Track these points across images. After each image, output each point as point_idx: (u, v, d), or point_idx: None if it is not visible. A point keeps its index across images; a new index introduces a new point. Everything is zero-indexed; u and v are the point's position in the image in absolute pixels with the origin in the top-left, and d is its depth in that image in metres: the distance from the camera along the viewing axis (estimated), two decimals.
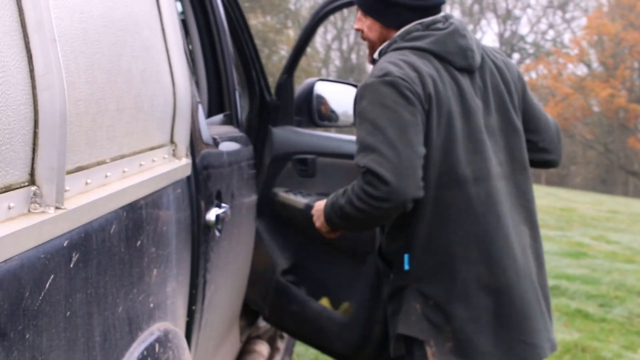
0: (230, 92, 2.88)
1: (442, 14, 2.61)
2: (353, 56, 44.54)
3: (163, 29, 1.89)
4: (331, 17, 45.04)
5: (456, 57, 2.52)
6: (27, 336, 1.04)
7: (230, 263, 2.55)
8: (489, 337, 2.49)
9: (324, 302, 3.53)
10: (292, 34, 45.50)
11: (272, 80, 4.51)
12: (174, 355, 1.64)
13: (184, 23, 2.85)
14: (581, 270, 9.06)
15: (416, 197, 2.37)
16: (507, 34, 42.25)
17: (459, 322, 2.47)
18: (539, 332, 2.54)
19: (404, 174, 2.33)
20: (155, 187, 1.66)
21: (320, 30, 46.26)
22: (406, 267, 2.52)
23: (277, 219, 3.49)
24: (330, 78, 4.16)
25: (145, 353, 1.48)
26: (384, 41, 2.62)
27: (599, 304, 7.49)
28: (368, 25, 2.65)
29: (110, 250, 1.36)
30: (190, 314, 2.07)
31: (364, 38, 2.68)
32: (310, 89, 3.70)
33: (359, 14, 2.65)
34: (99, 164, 1.41)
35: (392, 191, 2.32)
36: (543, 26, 42.57)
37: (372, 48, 2.67)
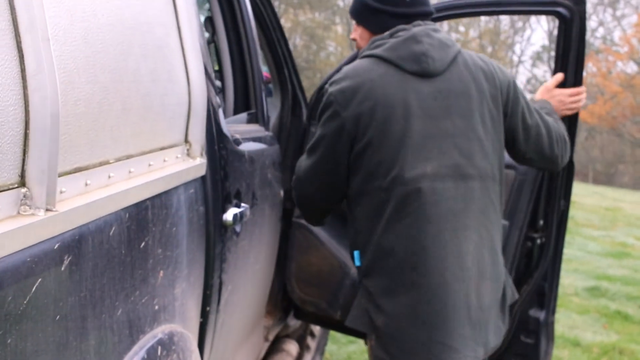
0: (256, 91, 2.85)
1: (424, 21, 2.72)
2: None
3: (179, 28, 1.87)
4: None
5: (407, 63, 2.58)
6: (9, 341, 1.03)
7: (251, 263, 2.53)
8: (410, 336, 2.54)
9: None
10: (340, 30, 45.53)
11: (320, 76, 4.51)
12: (178, 358, 1.62)
13: (211, 21, 2.83)
14: (623, 271, 8.92)
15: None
16: (556, 31, 41.69)
17: (387, 317, 2.55)
18: (463, 337, 2.54)
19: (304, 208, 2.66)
20: (163, 187, 1.64)
21: None
22: (357, 263, 2.65)
23: (336, 219, 3.50)
24: None
25: (145, 356, 1.46)
26: None
27: (639, 305, 7.36)
28: (359, 34, 2.78)
29: (109, 253, 1.34)
30: (205, 315, 2.05)
31: (358, 47, 2.79)
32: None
33: (354, 24, 2.78)
34: (101, 164, 1.39)
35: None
36: (593, 23, 41.96)
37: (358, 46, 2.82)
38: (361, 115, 2.52)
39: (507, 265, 3.57)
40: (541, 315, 3.69)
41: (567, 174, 3.62)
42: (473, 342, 2.57)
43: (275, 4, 42.75)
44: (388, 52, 2.60)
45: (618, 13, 41.32)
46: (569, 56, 3.48)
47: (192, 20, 1.93)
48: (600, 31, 42.03)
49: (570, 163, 3.62)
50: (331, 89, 2.57)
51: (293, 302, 3.81)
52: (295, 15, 43.81)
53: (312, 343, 4.60)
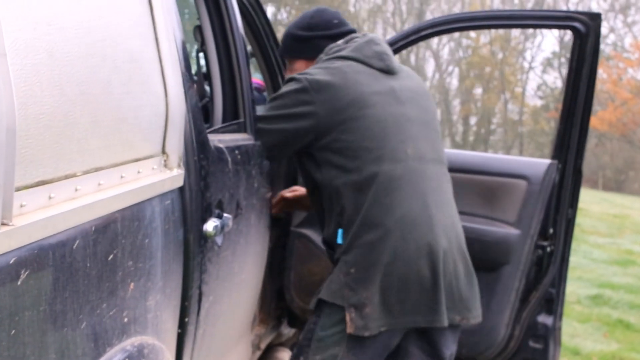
0: (245, 100, 2.85)
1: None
2: (412, 58, 44.37)
3: (157, 39, 1.87)
4: (390, 19, 44.80)
5: (373, 60, 2.96)
6: None
7: (235, 274, 2.53)
8: (398, 300, 2.77)
9: None
10: None
11: None
12: None
13: (200, 30, 2.83)
14: (627, 279, 8.88)
15: None
16: (567, 37, 41.64)
17: (376, 287, 2.75)
18: (441, 303, 2.80)
19: None
20: (135, 199, 1.64)
21: (380, 32, 46.20)
22: (339, 241, 2.87)
23: None
24: None
25: None
26: None
27: None
28: (296, 67, 3.10)
29: (72, 266, 1.34)
30: (183, 326, 2.05)
31: None
32: None
33: (287, 63, 3.11)
34: (67, 177, 1.39)
35: None
36: (604, 30, 41.80)
37: None
38: (336, 105, 2.83)
39: (518, 273, 3.63)
40: (549, 321, 3.74)
41: (575, 183, 3.66)
42: (445, 309, 2.83)
43: (286, 9, 42.83)
44: (354, 52, 2.95)
45: (629, 19, 41.21)
46: (582, 70, 3.50)
47: (170, 32, 1.93)
48: (611, 37, 41.92)
49: (578, 172, 3.66)
50: (305, 76, 2.86)
51: (289, 311, 3.81)
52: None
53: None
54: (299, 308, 3.71)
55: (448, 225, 2.88)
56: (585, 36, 3.52)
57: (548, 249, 3.71)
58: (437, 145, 3.00)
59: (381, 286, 2.75)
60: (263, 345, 3.65)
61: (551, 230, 3.68)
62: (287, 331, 4.04)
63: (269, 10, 41.85)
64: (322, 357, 2.82)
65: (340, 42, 3.03)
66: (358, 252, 2.78)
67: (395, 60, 3.04)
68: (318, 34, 3.08)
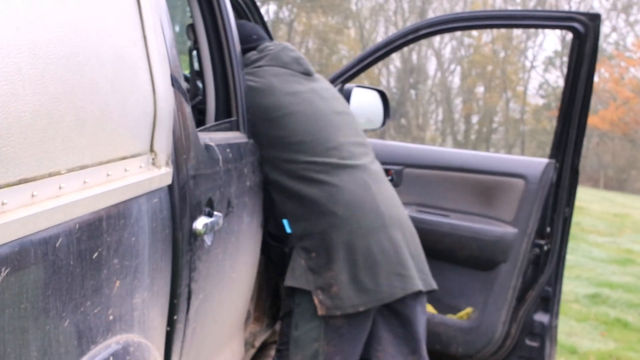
0: (238, 98, 2.85)
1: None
2: (414, 57, 44.35)
3: (145, 38, 1.88)
4: (392, 17, 44.74)
5: (292, 65, 3.24)
6: None
7: (226, 272, 2.53)
8: (368, 275, 2.90)
9: (429, 308, 3.74)
10: (353, 34, 45.57)
11: None
12: None
13: (193, 28, 2.83)
14: (626, 278, 8.88)
15: None
16: (568, 36, 41.57)
17: (340, 265, 2.90)
18: (410, 269, 2.99)
19: None
20: (121, 197, 1.64)
21: (381, 30, 46.19)
22: (289, 230, 3.05)
23: None
24: (363, 84, 4.21)
25: None
26: None
27: None
28: None
29: (54, 264, 1.34)
30: (172, 324, 2.05)
31: None
32: (348, 95, 3.83)
33: None
34: (50, 175, 1.39)
35: None
36: (606, 29, 41.79)
37: None
38: (265, 106, 3.08)
39: (515, 271, 3.65)
40: (545, 319, 3.75)
41: (571, 182, 3.67)
42: (419, 272, 3.05)
43: (288, 7, 42.80)
44: (273, 61, 3.22)
45: (631, 19, 41.19)
46: (581, 70, 3.52)
47: (159, 30, 1.93)
48: (613, 37, 41.90)
49: (575, 171, 3.67)
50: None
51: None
52: (308, 19, 43.85)
53: None
54: None
55: (387, 199, 3.11)
56: (584, 36, 3.53)
57: (545, 248, 3.72)
58: (362, 134, 3.31)
59: (346, 265, 2.90)
60: (258, 343, 3.65)
61: (548, 229, 3.70)
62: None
63: (271, 9, 41.85)
64: (303, 356, 2.91)
65: (253, 52, 3.29)
66: (315, 238, 2.97)
67: (310, 64, 3.34)
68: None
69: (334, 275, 2.89)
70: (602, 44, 41.33)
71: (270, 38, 3.53)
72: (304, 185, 3.00)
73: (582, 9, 40.94)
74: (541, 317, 3.77)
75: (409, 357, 3.08)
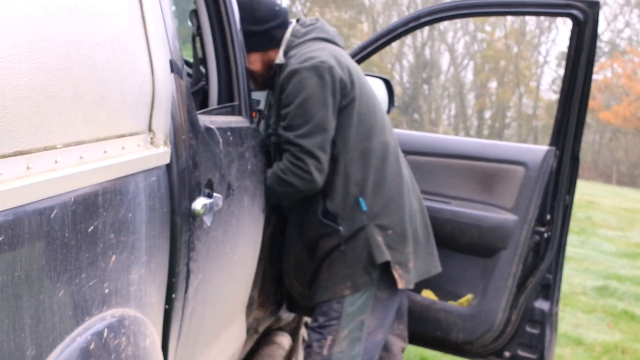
0: (240, 83, 2.88)
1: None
2: (427, 52, 44.28)
3: (143, 18, 1.91)
4: (405, 12, 44.70)
5: (337, 39, 3.35)
6: None
7: (227, 254, 2.56)
8: (418, 253, 3.32)
9: (428, 294, 3.77)
10: (366, 28, 45.60)
11: None
12: (128, 342, 1.65)
13: (196, 14, 2.86)
14: (635, 271, 8.88)
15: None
16: None
17: (411, 242, 3.26)
18: (435, 250, 3.49)
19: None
20: (118, 173, 1.67)
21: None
22: (364, 208, 3.22)
23: None
24: (368, 73, 4.22)
25: (89, 338, 1.50)
26: (268, 64, 3.31)
27: None
28: (251, 60, 3.26)
29: (49, 234, 1.38)
30: (170, 302, 2.08)
31: (252, 75, 3.29)
32: None
33: (248, 57, 3.20)
34: (46, 149, 1.42)
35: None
36: (619, 24, 41.66)
37: (260, 76, 3.34)
38: (347, 83, 3.15)
39: (515, 258, 3.68)
40: (546, 306, 3.77)
41: (572, 170, 3.69)
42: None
43: (302, 1, 42.85)
44: (324, 34, 3.29)
45: None
46: (580, 58, 3.53)
47: (158, 12, 1.96)
48: (627, 32, 41.72)
49: (575, 159, 3.69)
50: (314, 61, 3.11)
51: (288, 295, 3.85)
52: (321, 13, 43.88)
53: (307, 336, 4.63)
54: (298, 292, 3.75)
55: (413, 183, 3.49)
56: (583, 24, 3.54)
57: (545, 235, 3.74)
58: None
59: (412, 242, 3.26)
60: (261, 329, 3.69)
61: (548, 217, 3.71)
62: (286, 316, 4.08)
63: (284, 3, 41.88)
64: (350, 327, 3.18)
65: (298, 26, 3.32)
66: (392, 216, 3.23)
67: None
68: (270, 25, 3.27)
69: (410, 251, 3.24)
70: (616, 39, 41.18)
71: None
72: (382, 164, 3.24)
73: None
74: (541, 304, 3.79)
75: (400, 324, 3.63)
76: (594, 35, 3.54)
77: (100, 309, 1.59)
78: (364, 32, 45.83)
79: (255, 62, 3.29)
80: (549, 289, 3.79)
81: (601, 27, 40.71)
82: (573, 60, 3.57)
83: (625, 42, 40.69)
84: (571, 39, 3.60)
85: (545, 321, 3.77)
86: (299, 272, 3.65)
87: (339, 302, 3.24)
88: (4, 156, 1.28)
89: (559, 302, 3.89)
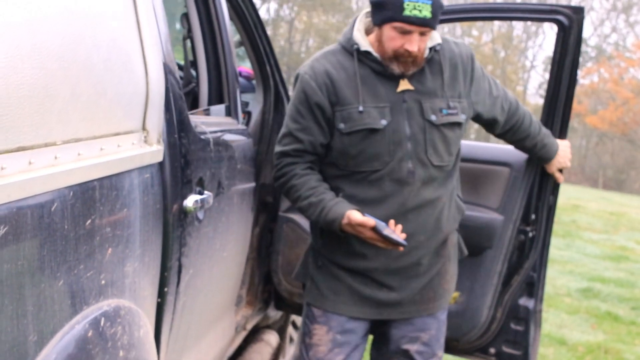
0: (230, 85, 2.96)
1: None
2: None
3: (138, 22, 1.98)
4: None
5: None
6: None
7: (217, 250, 2.63)
8: None
9: None
10: None
11: None
12: (123, 331, 1.72)
13: (187, 17, 2.93)
14: (619, 273, 8.98)
15: None
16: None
17: None
18: None
19: None
20: (113, 170, 1.74)
21: None
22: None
23: None
24: None
25: (87, 326, 1.57)
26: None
27: (631, 307, 7.43)
28: (424, 39, 2.82)
29: (50, 227, 1.44)
30: (162, 295, 2.15)
31: (418, 57, 2.83)
32: None
33: (420, 36, 2.78)
34: (47, 145, 1.49)
35: None
36: (606, 29, 41.92)
37: (421, 57, 2.86)
38: None
39: (501, 257, 3.74)
40: (530, 303, 3.84)
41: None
42: None
43: (289, 5, 42.92)
44: None
45: (631, 19, 41.27)
46: (565, 62, 3.61)
47: (150, 16, 2.03)
48: (613, 37, 41.97)
49: None
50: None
51: (276, 294, 3.92)
52: (309, 17, 43.97)
53: (295, 335, 4.70)
54: (286, 291, 3.82)
55: None
56: (568, 29, 3.61)
57: (530, 234, 3.81)
58: None
59: None
60: (249, 327, 3.75)
61: (533, 216, 3.78)
62: (274, 314, 4.14)
63: (272, 7, 41.93)
64: None
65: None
66: None
67: None
68: None
69: None
70: (602, 44, 41.41)
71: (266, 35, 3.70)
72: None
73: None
74: (526, 302, 3.85)
75: None
76: (579, 41, 3.62)
77: (97, 298, 1.66)
78: None
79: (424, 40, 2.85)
80: (533, 287, 3.86)
81: (588, 32, 40.95)
82: (558, 65, 3.65)
83: (612, 47, 40.95)
84: (556, 43, 3.68)
85: (530, 318, 3.84)
86: (287, 270, 3.71)
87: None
88: (7, 151, 1.35)
89: (542, 299, 3.96)
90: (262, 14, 38.29)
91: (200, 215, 2.39)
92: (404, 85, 2.87)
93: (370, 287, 2.96)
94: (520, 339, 3.86)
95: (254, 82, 4.00)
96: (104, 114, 1.75)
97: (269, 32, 4.82)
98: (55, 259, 1.47)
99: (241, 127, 3.02)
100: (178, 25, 3.27)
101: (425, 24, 2.71)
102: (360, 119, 2.82)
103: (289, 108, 2.93)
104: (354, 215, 2.77)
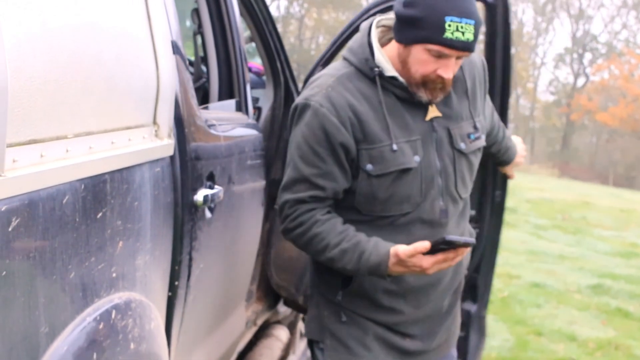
0: (240, 81, 2.97)
1: None
2: None
3: (149, 17, 1.99)
4: None
5: None
6: None
7: (227, 245, 2.64)
8: None
9: None
10: None
11: None
12: (134, 324, 1.73)
13: (197, 13, 2.94)
14: (629, 270, 8.96)
15: None
16: (579, 33, 41.59)
17: None
18: None
19: None
20: (124, 163, 1.75)
21: None
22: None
23: None
24: None
25: (98, 318, 1.58)
26: None
27: None
28: (459, 63, 2.43)
29: (61, 219, 1.45)
30: (173, 289, 2.16)
31: (448, 83, 2.43)
32: None
33: (455, 61, 2.38)
34: (58, 138, 1.50)
35: None
36: (616, 26, 41.81)
37: (450, 83, 2.45)
38: None
39: None
40: (472, 308, 3.66)
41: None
42: None
43: (299, 2, 42.93)
44: None
45: None
46: (496, 43, 3.43)
47: (161, 12, 2.04)
48: (624, 34, 41.84)
49: None
50: None
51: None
52: (319, 14, 43.96)
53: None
54: (275, 284, 3.75)
55: None
56: (494, 7, 3.41)
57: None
58: None
59: None
60: (260, 322, 3.77)
61: (473, 212, 3.48)
62: (284, 309, 4.15)
63: (282, 4, 41.95)
64: None
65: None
66: None
67: None
68: None
69: None
70: (613, 41, 41.29)
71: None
72: None
73: (592, 5, 40.91)
74: (468, 306, 3.62)
75: None
76: (507, 19, 3.42)
77: (109, 291, 1.67)
78: None
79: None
80: (477, 290, 3.66)
81: (598, 28, 40.81)
82: (489, 46, 3.48)
83: (622, 43, 40.82)
84: (486, 24, 3.47)
85: (471, 324, 3.63)
86: (276, 263, 3.67)
87: None
88: (19, 144, 1.36)
89: (487, 304, 3.73)
90: (272, 11, 38.42)
91: (211, 209, 2.40)
92: (433, 112, 2.50)
93: (397, 337, 2.63)
94: (460, 345, 3.38)
95: (264, 78, 4.01)
96: (115, 108, 1.76)
97: (279, 29, 4.85)
98: (67, 251, 1.48)
99: (252, 122, 3.03)
100: (189, 23, 3.27)
101: (467, 49, 2.32)
102: (394, 158, 2.43)
103: (296, 146, 2.46)
104: (402, 249, 2.36)
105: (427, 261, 2.34)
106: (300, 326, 4.51)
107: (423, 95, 2.42)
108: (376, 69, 2.45)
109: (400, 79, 2.44)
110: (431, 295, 2.62)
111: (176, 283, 2.17)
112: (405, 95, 2.45)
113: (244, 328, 3.23)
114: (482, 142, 2.62)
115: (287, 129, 3.77)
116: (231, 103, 2.96)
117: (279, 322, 4.22)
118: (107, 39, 1.71)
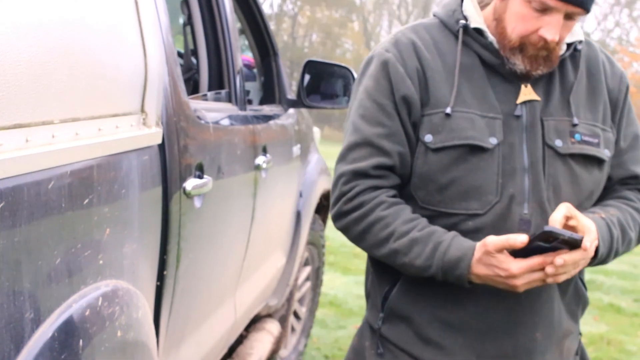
0: (230, 71, 2.96)
1: None
2: None
3: (137, 6, 1.98)
4: (396, 11, 44.60)
5: None
6: None
7: (217, 235, 2.63)
8: None
9: None
10: (357, 27, 45.66)
11: None
12: (121, 311, 1.72)
13: (187, 4, 2.93)
14: (622, 266, 8.98)
15: None
16: (586, 28, 41.65)
17: None
18: None
19: None
20: (111, 150, 1.74)
21: (385, 24, 46.20)
22: None
23: None
24: (322, 59, 3.94)
25: (85, 305, 1.57)
26: None
27: (633, 299, 7.43)
28: (568, 26, 1.96)
29: (47, 204, 1.44)
30: (162, 279, 2.15)
31: (555, 51, 1.98)
32: (302, 70, 3.74)
33: (564, 20, 1.91)
34: (44, 123, 1.49)
35: None
36: (609, 24, 41.90)
37: (557, 53, 2.00)
38: None
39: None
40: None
41: None
42: None
43: (292, 0, 42.89)
44: None
45: (635, 14, 41.23)
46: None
47: (150, 3, 2.04)
48: (617, 32, 41.94)
49: None
50: None
51: None
52: (312, 12, 43.97)
53: (297, 325, 4.72)
54: None
55: None
56: None
57: None
58: None
59: None
60: (251, 315, 3.76)
61: None
62: (275, 303, 4.15)
63: (275, 2, 41.96)
64: None
65: None
66: None
67: None
68: None
69: None
70: (605, 38, 41.38)
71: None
72: None
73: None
74: None
75: None
76: None
77: (95, 278, 1.66)
78: (355, 31, 45.89)
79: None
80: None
81: (591, 26, 40.91)
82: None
83: (615, 41, 40.89)
84: None
85: None
86: None
87: None
88: (4, 128, 1.35)
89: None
90: (265, 9, 38.48)
91: (200, 199, 2.39)
92: (528, 93, 2.01)
93: None
94: None
95: (254, 70, 4.00)
96: (102, 95, 1.75)
97: (272, 27, 4.84)
98: (53, 236, 1.47)
99: (242, 113, 3.02)
100: (182, 20, 3.23)
101: (579, 3, 1.85)
102: (460, 129, 1.95)
103: (357, 105, 2.04)
104: (491, 238, 1.87)
105: (516, 265, 1.85)
106: (292, 320, 4.52)
107: (519, 63, 1.96)
108: (461, 22, 2.02)
109: (489, 34, 2.00)
110: (506, 338, 2.05)
111: (165, 272, 2.16)
112: (494, 60, 2.01)
113: (234, 320, 3.22)
114: (596, 152, 2.04)
115: None
116: (221, 93, 2.96)
117: (270, 315, 4.22)
118: (94, 25, 1.71)
